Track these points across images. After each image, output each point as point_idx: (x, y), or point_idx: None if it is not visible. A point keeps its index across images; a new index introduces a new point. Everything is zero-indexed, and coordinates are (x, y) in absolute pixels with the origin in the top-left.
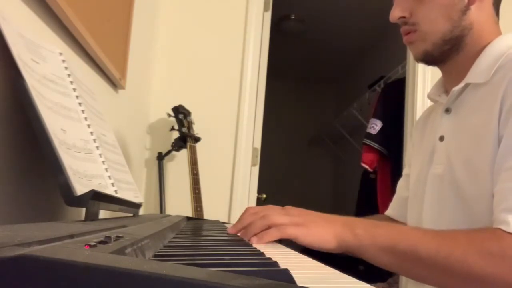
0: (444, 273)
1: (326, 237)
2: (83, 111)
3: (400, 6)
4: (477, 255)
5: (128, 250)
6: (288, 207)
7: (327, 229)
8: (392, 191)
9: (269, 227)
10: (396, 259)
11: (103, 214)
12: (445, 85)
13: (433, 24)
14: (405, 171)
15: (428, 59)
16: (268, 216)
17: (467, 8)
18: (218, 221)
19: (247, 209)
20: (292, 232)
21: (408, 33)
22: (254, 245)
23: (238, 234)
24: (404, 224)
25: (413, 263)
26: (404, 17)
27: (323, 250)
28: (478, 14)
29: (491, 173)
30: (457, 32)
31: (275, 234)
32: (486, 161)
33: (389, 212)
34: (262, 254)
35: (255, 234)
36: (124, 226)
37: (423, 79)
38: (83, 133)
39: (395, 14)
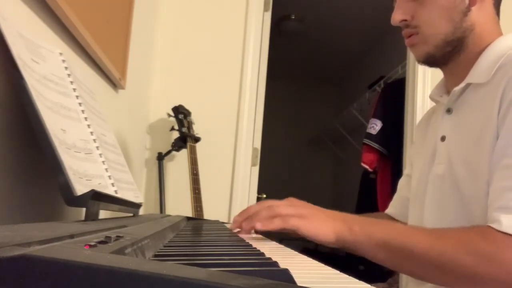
0: (437, 270)
1: (325, 231)
2: (83, 111)
3: (401, 9)
4: (466, 253)
5: (128, 250)
6: (291, 199)
7: (328, 223)
8: (392, 191)
9: (274, 217)
10: (390, 255)
11: (103, 214)
12: (447, 86)
13: (435, 26)
14: (406, 170)
15: (430, 61)
16: (273, 207)
17: (468, 9)
18: (218, 221)
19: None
20: (294, 223)
21: (410, 36)
22: (254, 245)
23: (242, 225)
24: (404, 223)
25: (407, 259)
26: (405, 20)
27: (321, 243)
28: (479, 15)
29: (489, 172)
30: (458, 33)
31: (278, 223)
32: (485, 160)
33: (389, 210)
34: (262, 254)
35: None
36: (124, 226)
37: (423, 79)
38: (83, 133)
39: (396, 17)
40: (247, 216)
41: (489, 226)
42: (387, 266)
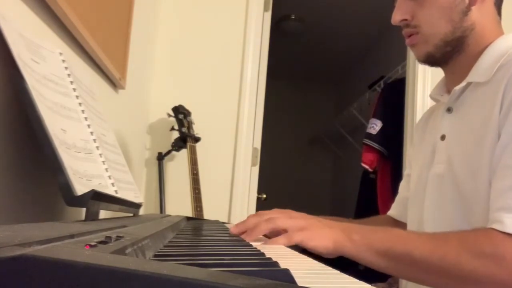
0: (439, 274)
1: (325, 242)
2: (83, 111)
3: (402, 9)
4: (470, 256)
5: (129, 250)
6: (288, 210)
7: (327, 234)
8: (392, 191)
9: (273, 230)
10: (392, 262)
11: (103, 214)
12: (448, 85)
13: (434, 26)
14: (406, 171)
15: (431, 61)
16: (273, 219)
17: (468, 9)
18: (218, 221)
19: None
20: (298, 239)
21: (410, 36)
22: (254, 245)
23: (241, 236)
24: (406, 224)
25: (409, 265)
26: (405, 20)
27: (321, 254)
28: (480, 15)
29: (490, 171)
30: (458, 33)
31: (283, 241)
32: (485, 160)
33: (391, 212)
34: (262, 254)
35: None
36: (124, 226)
37: (423, 79)
38: (83, 133)
39: (396, 17)
40: (245, 229)
41: (491, 228)
42: (390, 273)
